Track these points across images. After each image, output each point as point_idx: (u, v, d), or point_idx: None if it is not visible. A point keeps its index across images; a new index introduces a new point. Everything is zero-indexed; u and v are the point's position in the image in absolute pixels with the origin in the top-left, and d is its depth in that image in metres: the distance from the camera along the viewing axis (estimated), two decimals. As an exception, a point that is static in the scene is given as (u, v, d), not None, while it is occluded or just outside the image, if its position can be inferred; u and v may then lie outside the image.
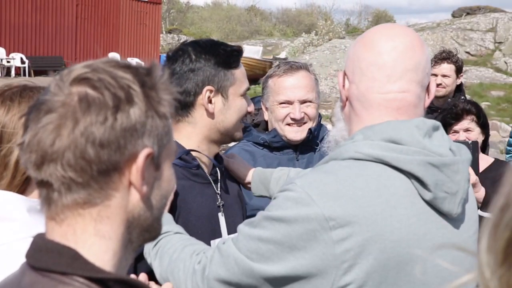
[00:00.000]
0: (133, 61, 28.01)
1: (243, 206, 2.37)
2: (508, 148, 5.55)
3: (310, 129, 2.85)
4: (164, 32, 40.51)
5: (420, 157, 1.51)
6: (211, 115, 2.12)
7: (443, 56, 5.34)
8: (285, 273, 1.48)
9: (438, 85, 5.19)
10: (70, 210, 1.08)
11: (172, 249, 1.80)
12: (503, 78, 28.31)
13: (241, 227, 1.61)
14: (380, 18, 56.04)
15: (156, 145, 1.11)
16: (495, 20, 33.77)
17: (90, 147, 1.04)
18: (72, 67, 1.11)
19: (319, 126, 2.93)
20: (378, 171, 1.51)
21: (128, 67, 1.11)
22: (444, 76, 5.28)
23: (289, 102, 2.79)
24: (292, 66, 2.82)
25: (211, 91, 2.10)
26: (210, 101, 2.11)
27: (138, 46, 30.87)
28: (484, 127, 3.81)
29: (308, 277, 1.47)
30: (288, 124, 2.82)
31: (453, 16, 39.20)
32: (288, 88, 2.78)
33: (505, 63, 30.10)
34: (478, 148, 3.31)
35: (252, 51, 30.75)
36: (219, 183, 2.22)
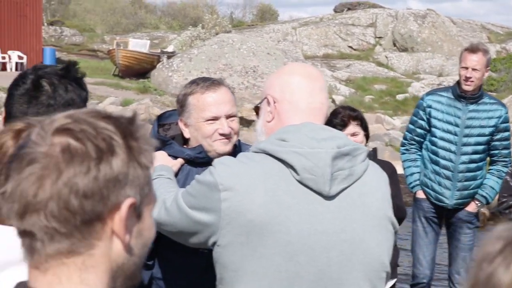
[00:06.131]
0: (14, 54, 26.36)
1: None
2: (403, 141, 5.64)
3: (235, 144, 2.88)
4: (45, 24, 39.13)
5: (291, 149, 2.04)
6: None
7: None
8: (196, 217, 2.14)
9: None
10: (54, 259, 1.09)
11: (159, 185, 2.44)
12: (384, 72, 29.44)
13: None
14: (265, 12, 56.79)
15: (138, 194, 1.12)
16: (375, 15, 35.04)
17: (73, 197, 1.05)
18: (54, 117, 1.12)
19: (239, 141, 2.98)
20: (262, 159, 2.09)
21: (109, 118, 1.13)
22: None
23: (216, 118, 2.80)
24: (213, 82, 2.84)
25: None
26: None
27: (19, 39, 29.48)
28: (366, 129, 4.25)
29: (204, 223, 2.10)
30: (216, 139, 2.82)
31: (335, 11, 40.30)
32: (213, 104, 2.79)
33: (386, 57, 31.29)
34: (377, 152, 3.85)
35: (139, 44, 30.26)
36: None
